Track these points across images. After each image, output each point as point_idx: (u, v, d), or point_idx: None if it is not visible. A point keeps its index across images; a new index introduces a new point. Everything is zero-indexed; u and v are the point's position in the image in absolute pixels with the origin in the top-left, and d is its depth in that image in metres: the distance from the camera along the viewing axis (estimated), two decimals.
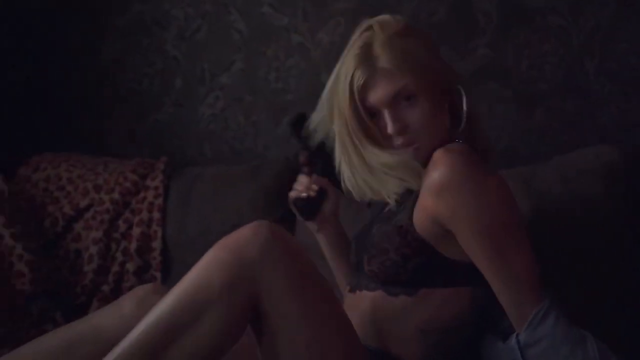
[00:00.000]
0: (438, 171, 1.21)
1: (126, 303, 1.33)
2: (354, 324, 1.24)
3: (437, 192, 1.21)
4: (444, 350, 1.29)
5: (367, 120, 1.31)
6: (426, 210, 1.25)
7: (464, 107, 1.31)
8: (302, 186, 1.47)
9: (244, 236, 1.15)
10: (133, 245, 1.82)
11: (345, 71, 1.32)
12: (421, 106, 1.29)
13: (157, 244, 1.79)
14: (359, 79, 1.29)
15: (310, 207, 1.46)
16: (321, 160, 1.44)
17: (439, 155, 1.24)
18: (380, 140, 1.32)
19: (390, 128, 1.29)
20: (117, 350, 1.10)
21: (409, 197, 1.31)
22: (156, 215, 1.82)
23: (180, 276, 1.70)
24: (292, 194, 1.48)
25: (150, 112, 2.24)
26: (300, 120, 1.47)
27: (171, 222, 1.83)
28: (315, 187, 1.45)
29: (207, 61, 2.19)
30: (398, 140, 1.30)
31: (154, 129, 2.24)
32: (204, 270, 1.15)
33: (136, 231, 1.83)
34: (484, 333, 1.32)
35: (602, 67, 1.91)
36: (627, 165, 1.62)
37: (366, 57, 1.29)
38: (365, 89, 1.30)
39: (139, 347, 1.09)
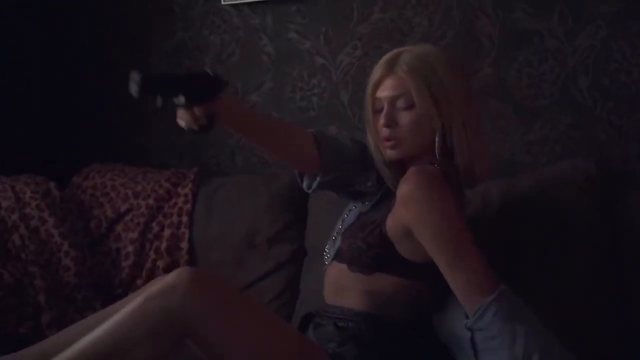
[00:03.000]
0: (408, 185, 1.45)
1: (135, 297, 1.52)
2: (327, 289, 1.57)
3: (406, 202, 1.45)
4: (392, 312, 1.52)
5: (371, 111, 1.58)
6: (396, 215, 1.49)
7: (437, 142, 1.53)
8: (187, 121, 1.48)
9: (167, 285, 1.29)
10: (164, 245, 2.06)
11: (375, 68, 1.59)
12: (415, 116, 1.52)
13: (184, 244, 2.04)
14: (377, 74, 1.57)
15: (204, 127, 1.48)
16: (183, 90, 1.42)
17: (411, 173, 1.48)
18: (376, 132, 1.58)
19: (382, 119, 1.54)
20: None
21: (389, 198, 1.54)
22: (184, 219, 2.07)
23: None
24: (184, 127, 1.51)
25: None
26: (145, 82, 1.38)
27: (197, 224, 2.07)
28: (202, 118, 1.46)
29: (240, 81, 2.42)
30: (385, 133, 1.54)
31: (192, 142, 2.48)
32: (128, 319, 1.29)
33: (167, 232, 2.08)
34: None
35: (596, 84, 2.05)
36: (603, 176, 1.75)
37: (392, 60, 1.56)
38: (379, 84, 1.56)
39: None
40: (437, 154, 1.52)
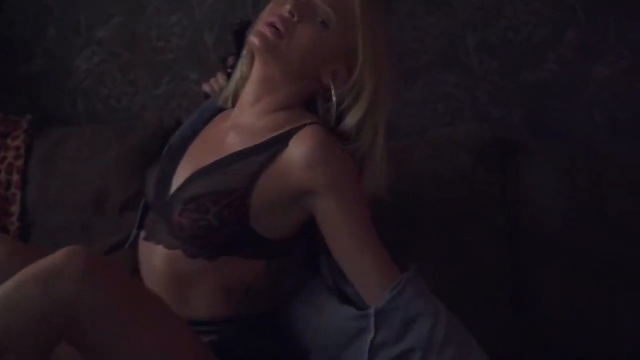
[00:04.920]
0: (307, 147, 1.19)
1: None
2: (148, 278, 1.24)
3: (309, 165, 1.19)
4: (250, 307, 1.27)
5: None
6: (285, 180, 1.21)
7: (333, 97, 1.25)
8: (217, 86, 1.46)
9: (57, 267, 1.01)
10: None
11: None
12: (325, 37, 1.22)
13: (15, 208, 1.68)
14: None
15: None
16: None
17: (307, 132, 1.21)
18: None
19: (286, 4, 1.21)
20: None
21: (241, 159, 1.24)
22: (15, 177, 1.69)
23: (39, 240, 1.67)
24: (205, 87, 1.49)
25: (20, 62, 2.10)
26: (244, 29, 1.37)
27: (32, 184, 1.71)
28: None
29: (83, 13, 2.06)
30: (275, 18, 1.21)
31: (25, 81, 2.09)
32: (8, 303, 1.00)
33: None
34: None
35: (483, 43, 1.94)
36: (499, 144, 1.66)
37: None
38: None
39: None
40: (305, 82, 1.27)
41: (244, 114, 1.31)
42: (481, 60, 1.94)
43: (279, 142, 1.23)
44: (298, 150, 1.20)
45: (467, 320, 1.19)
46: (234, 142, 1.27)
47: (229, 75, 1.43)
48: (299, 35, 1.21)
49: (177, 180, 1.27)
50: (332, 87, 1.25)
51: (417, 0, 1.94)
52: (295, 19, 1.21)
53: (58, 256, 1.03)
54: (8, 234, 1.63)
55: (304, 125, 1.23)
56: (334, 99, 1.25)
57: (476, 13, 1.93)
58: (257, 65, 1.29)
